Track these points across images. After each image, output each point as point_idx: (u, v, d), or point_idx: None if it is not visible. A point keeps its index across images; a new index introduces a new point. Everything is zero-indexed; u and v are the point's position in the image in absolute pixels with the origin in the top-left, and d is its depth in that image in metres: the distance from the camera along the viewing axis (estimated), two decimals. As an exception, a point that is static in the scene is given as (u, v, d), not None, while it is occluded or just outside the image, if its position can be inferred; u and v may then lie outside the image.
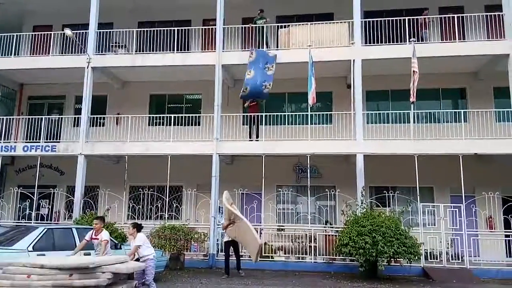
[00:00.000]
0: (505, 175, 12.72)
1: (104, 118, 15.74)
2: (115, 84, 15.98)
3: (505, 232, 12.44)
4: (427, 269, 11.45)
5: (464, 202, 12.00)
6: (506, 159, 12.54)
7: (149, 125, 15.59)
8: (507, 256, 12.24)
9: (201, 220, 13.48)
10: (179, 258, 11.78)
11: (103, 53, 14.90)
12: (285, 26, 14.39)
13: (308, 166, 13.26)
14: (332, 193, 13.18)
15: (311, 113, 13.64)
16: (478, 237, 12.71)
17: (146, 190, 13.89)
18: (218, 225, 12.98)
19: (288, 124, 14.58)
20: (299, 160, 14.75)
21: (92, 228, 8.25)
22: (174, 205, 13.62)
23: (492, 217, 13.28)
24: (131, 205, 13.95)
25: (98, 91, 14.87)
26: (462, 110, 13.76)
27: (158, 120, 15.59)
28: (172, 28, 14.73)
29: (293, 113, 14.92)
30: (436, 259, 11.94)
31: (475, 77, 14.58)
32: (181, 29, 14.80)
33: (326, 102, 15.52)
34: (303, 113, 14.23)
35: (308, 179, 13.15)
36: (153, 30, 15.00)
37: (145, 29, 15.16)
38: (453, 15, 13.65)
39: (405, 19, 13.48)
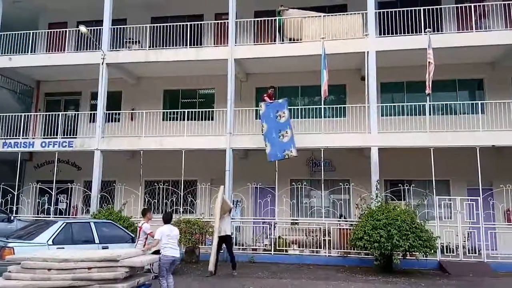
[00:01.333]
0: (524, 167, 12.46)
1: (119, 114, 15.95)
2: (129, 80, 16.14)
3: (524, 225, 12.22)
4: (443, 263, 11.34)
5: (481, 195, 11.80)
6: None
7: (163, 120, 15.72)
8: (526, 250, 12.02)
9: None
10: (194, 251, 11.93)
11: (117, 49, 15.05)
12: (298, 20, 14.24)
13: (322, 159, 13.20)
14: (346, 186, 13.11)
15: (325, 106, 13.54)
16: (496, 230, 12.50)
17: (161, 185, 14.06)
18: (232, 219, 13.06)
19: (302, 117, 14.52)
20: (313, 154, 14.69)
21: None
22: (189, 199, 13.76)
23: (510, 210, 13.03)
24: (146, 200, 14.13)
25: (113, 87, 15.06)
26: (480, 102, 13.49)
27: (172, 115, 15.71)
28: (184, 23, 14.77)
29: (307, 107, 14.84)
30: (453, 252, 11.80)
31: (493, 67, 14.23)
32: (194, 24, 14.83)
33: (340, 95, 15.39)
34: (317, 106, 14.15)
35: (322, 173, 13.11)
36: (166, 26, 15.06)
37: (158, 25, 15.22)
38: (470, 4, 13.31)
39: (420, 9, 13.22)
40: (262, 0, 15.51)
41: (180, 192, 13.46)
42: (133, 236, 9.68)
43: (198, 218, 12.38)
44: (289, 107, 14.21)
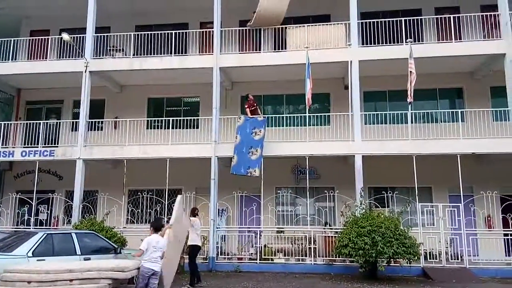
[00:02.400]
0: (503, 174, 12.77)
1: (102, 122, 15.74)
2: (113, 88, 15.98)
3: (503, 231, 12.47)
4: (426, 269, 11.47)
5: (462, 201, 12.04)
6: (504, 158, 12.59)
7: (147, 128, 15.59)
8: (506, 255, 12.28)
9: (200, 223, 13.43)
10: (179, 261, 11.73)
11: (101, 57, 14.90)
12: (283, 28, 14.42)
13: (307, 167, 13.28)
14: (331, 194, 13.19)
15: (309, 114, 13.66)
16: (477, 236, 12.74)
17: (145, 194, 13.88)
18: (217, 228, 12.99)
19: (287, 125, 14.62)
20: (298, 162, 14.77)
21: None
22: (174, 209, 13.57)
23: (490, 216, 13.32)
24: (130, 209, 13.93)
25: (96, 95, 14.88)
26: (459, 110, 13.81)
27: (156, 124, 15.58)
28: (169, 32, 14.76)
29: (291, 115, 14.95)
30: (436, 259, 11.96)
31: (472, 76, 14.64)
32: (179, 32, 14.82)
33: (324, 103, 15.56)
34: (301, 114, 14.26)
35: (307, 181, 13.17)
36: (151, 34, 15.02)
37: (143, 33, 15.15)
38: (449, 15, 13.72)
39: (401, 20, 13.54)
40: (247, 9, 15.63)
41: (165, 201, 13.32)
42: (116, 247, 9.49)
43: (183, 228, 12.22)
44: (273, 115, 14.36)
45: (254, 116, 13.46)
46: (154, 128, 15.57)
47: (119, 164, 14.58)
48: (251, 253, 13.01)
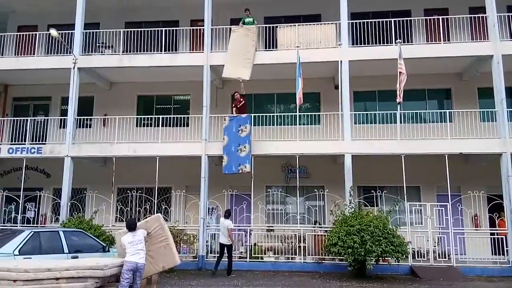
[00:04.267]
0: (489, 174, 12.94)
1: (91, 120, 15.58)
2: (102, 85, 15.82)
3: (490, 230, 12.66)
4: (414, 268, 11.60)
5: (450, 201, 12.19)
6: (491, 158, 12.77)
7: (137, 126, 15.47)
8: (492, 254, 12.47)
9: (190, 221, 13.42)
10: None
11: (90, 53, 14.73)
12: (273, 27, 14.43)
13: (297, 166, 13.31)
14: (321, 193, 13.25)
15: (300, 113, 13.70)
16: (464, 235, 12.91)
17: (134, 192, 13.76)
18: (207, 226, 12.96)
19: (277, 124, 14.65)
20: (288, 161, 14.81)
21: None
22: (163, 207, 13.54)
23: (477, 215, 13.52)
24: (119, 207, 13.81)
25: (84, 92, 14.71)
26: (448, 110, 13.99)
27: (146, 121, 15.48)
28: (159, 29, 14.66)
29: (282, 114, 14.97)
30: (424, 257, 12.11)
31: (460, 77, 14.84)
32: (169, 30, 14.73)
33: (315, 102, 15.62)
34: (292, 113, 14.29)
35: (297, 180, 13.21)
36: (141, 31, 14.89)
37: (132, 30, 15.03)
38: (438, 16, 13.88)
39: (391, 20, 13.66)
40: (238, 8, 15.58)
41: (154, 199, 13.23)
42: (104, 245, 9.41)
43: (172, 226, 12.16)
44: (264, 113, 14.36)
45: (238, 114, 13.44)
46: (144, 126, 15.47)
47: (108, 162, 14.44)
48: (241, 252, 13.01)
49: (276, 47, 14.11)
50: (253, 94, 15.18)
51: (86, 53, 14.61)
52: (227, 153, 12.96)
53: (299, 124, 13.56)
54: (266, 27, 14.80)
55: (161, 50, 14.47)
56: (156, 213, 13.06)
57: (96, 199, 13.57)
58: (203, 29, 14.15)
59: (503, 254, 11.89)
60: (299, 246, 12.44)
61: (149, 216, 8.40)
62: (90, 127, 15.52)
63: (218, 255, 11.51)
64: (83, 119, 14.78)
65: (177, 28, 15.33)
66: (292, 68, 13.10)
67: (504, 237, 11.94)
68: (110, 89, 16.19)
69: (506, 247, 11.84)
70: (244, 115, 13.34)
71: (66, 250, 8.64)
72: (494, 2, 13.06)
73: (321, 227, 13.31)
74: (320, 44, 13.77)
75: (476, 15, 13.85)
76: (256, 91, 15.37)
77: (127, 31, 15.07)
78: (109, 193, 13.58)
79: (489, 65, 13.01)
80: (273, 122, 14.70)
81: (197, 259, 12.47)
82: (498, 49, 12.80)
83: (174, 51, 14.97)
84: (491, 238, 12.50)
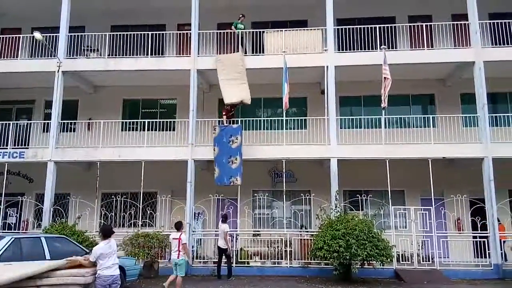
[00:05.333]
0: (472, 178, 13.16)
1: (75, 124, 15.38)
2: (86, 88, 15.64)
3: (472, 233, 12.86)
4: (399, 271, 11.71)
5: (433, 204, 12.36)
6: (473, 162, 13.00)
7: (122, 130, 15.31)
8: (474, 257, 12.64)
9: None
10: (153, 266, 11.59)
11: (74, 57, 14.56)
12: (260, 33, 14.49)
13: (284, 170, 13.34)
14: (307, 197, 13.31)
15: (286, 118, 13.75)
16: (448, 238, 13.10)
17: (119, 197, 13.60)
18: (193, 231, 12.87)
19: (264, 129, 14.67)
20: (275, 165, 14.83)
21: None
22: (148, 212, 13.41)
23: (460, 219, 13.73)
24: (103, 213, 13.62)
25: (69, 95, 14.54)
26: (431, 116, 14.21)
27: (131, 126, 15.33)
28: (146, 32, 14.58)
29: (269, 118, 15.01)
30: (408, 261, 12.22)
31: (443, 83, 15.10)
32: (156, 34, 14.66)
33: (301, 107, 15.71)
34: (278, 118, 14.34)
35: (284, 184, 13.24)
36: (127, 34, 14.78)
37: (118, 33, 14.91)
38: (422, 23, 14.13)
39: (376, 27, 13.85)
40: (225, 13, 15.64)
41: (139, 204, 13.09)
42: (87, 251, 9.25)
43: (158, 232, 12.06)
44: (251, 118, 14.38)
45: (228, 125, 13.37)
46: (129, 130, 15.31)
47: (92, 167, 14.25)
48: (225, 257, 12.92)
49: (263, 52, 14.17)
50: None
51: (71, 57, 14.42)
52: (218, 164, 12.86)
53: (286, 128, 13.61)
54: (253, 32, 14.84)
55: (147, 54, 14.39)
56: (141, 218, 12.96)
57: (79, 205, 13.37)
58: (190, 33, 14.13)
59: (485, 257, 12.09)
60: (286, 251, 12.44)
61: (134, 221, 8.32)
62: (74, 131, 15.32)
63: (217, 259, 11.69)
64: (67, 123, 14.58)
65: (164, 32, 15.26)
66: (279, 73, 13.17)
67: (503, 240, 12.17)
68: (95, 92, 16.02)
69: (488, 250, 12.05)
70: (235, 125, 13.28)
71: (48, 256, 8.46)
72: (476, 10, 13.35)
73: (307, 231, 13.34)
74: (306, 49, 13.88)
75: (459, 22, 14.15)
76: (243, 95, 15.37)
77: (113, 35, 14.94)
78: (93, 198, 13.39)
79: (471, 71, 13.28)
80: (260, 126, 14.73)
81: (182, 265, 12.33)
82: (480, 56, 13.09)
83: (160, 55, 14.91)
84: (473, 241, 12.68)
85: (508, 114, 13.83)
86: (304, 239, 12.71)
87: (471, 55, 13.22)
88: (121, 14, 16.09)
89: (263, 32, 14.35)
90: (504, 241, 12.45)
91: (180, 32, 15.36)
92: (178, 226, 9.16)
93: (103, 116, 15.09)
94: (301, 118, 14.89)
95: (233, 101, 13.37)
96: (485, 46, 13.79)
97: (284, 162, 13.15)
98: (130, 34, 14.73)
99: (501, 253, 12.01)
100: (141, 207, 13.08)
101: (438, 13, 15.29)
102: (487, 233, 12.14)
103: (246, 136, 14.24)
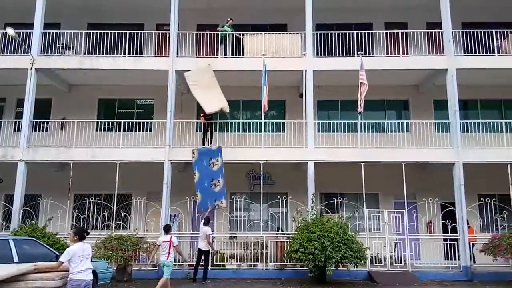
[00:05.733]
0: (443, 182, 13.53)
1: (47, 123, 14.95)
2: (61, 87, 15.26)
3: (443, 236, 13.22)
4: (372, 273, 11.91)
5: (406, 208, 12.65)
6: (444, 167, 13.39)
7: (97, 130, 15.00)
8: (445, 259, 13.00)
9: (151, 229, 13.13)
10: (126, 269, 11.38)
11: (49, 54, 14.19)
12: (241, 35, 14.51)
13: (262, 173, 13.37)
14: (284, 200, 13.37)
15: (265, 121, 13.80)
16: (419, 241, 13.41)
17: (92, 199, 13.31)
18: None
19: (243, 131, 14.66)
20: (253, 167, 14.85)
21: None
22: (122, 214, 13.16)
23: (431, 222, 14.10)
24: (75, 215, 13.28)
25: (42, 94, 14.16)
26: (405, 121, 14.55)
27: (107, 126, 15.03)
28: (123, 31, 14.35)
29: (247, 121, 15.02)
30: (381, 262, 12.45)
31: (417, 90, 15.51)
32: (134, 33, 14.45)
33: (280, 110, 15.80)
34: (257, 120, 14.37)
35: (261, 186, 13.26)
36: (104, 33, 14.51)
37: (95, 31, 14.63)
38: (398, 30, 14.49)
39: (353, 32, 14.10)
40: (205, 14, 15.62)
41: (113, 206, 12.84)
42: (58, 254, 8.99)
43: (132, 234, 11.85)
44: (230, 120, 14.36)
45: (207, 147, 13.22)
46: (104, 130, 15.01)
47: (65, 167, 13.86)
48: (203, 259, 12.82)
49: (242, 55, 14.18)
50: (218, 100, 15.09)
51: (45, 54, 14.05)
52: (200, 189, 12.66)
53: (264, 131, 13.65)
54: (233, 34, 14.83)
55: (125, 53, 14.15)
56: (115, 220, 12.71)
57: (51, 206, 12.98)
58: (169, 33, 14.00)
59: (455, 259, 12.46)
60: (262, 253, 12.46)
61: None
62: (47, 130, 14.90)
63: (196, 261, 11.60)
64: (40, 122, 14.16)
65: (142, 32, 15.09)
66: (258, 75, 13.20)
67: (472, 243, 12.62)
68: (70, 91, 15.65)
69: (458, 252, 12.42)
70: (214, 147, 13.03)
71: (16, 259, 8.15)
72: (450, 19, 13.78)
73: (283, 234, 13.41)
74: (286, 53, 13.99)
75: (433, 31, 14.56)
76: (222, 97, 15.34)
77: (90, 33, 14.65)
78: (65, 199, 13.03)
79: (444, 78, 13.69)
80: (239, 129, 14.73)
81: (157, 268, 12.18)
82: (453, 64, 13.50)
83: (138, 55, 14.71)
84: (444, 243, 13.04)
85: (478, 121, 14.32)
86: (281, 242, 12.77)
87: (444, 62, 13.64)
88: (98, 12, 15.80)
89: (243, 34, 14.37)
90: (473, 244, 12.84)
91: (159, 32, 15.22)
92: (168, 229, 9.40)
93: (78, 115, 14.75)
94: (279, 121, 14.97)
95: (214, 110, 13.31)
96: (458, 54, 14.25)
97: (262, 164, 13.18)
98: (107, 33, 14.48)
99: (470, 255, 12.39)
100: (115, 209, 12.83)
101: (413, 21, 15.69)
102: (457, 236, 12.51)
103: (225, 138, 14.23)
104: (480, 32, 14.10)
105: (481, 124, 14.11)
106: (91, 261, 6.31)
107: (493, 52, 13.74)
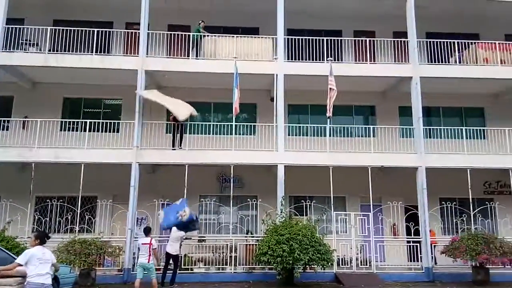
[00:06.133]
0: (407, 186, 13.96)
1: (8, 121, 14.27)
2: (24, 84, 14.65)
3: (406, 238, 13.65)
4: (338, 275, 12.12)
5: (372, 210, 12.98)
6: (408, 171, 13.84)
7: (61, 130, 14.46)
8: (408, 261, 13.42)
9: (117, 233, 12.78)
10: (90, 274, 11.01)
11: (11, 50, 13.58)
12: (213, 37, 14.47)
13: (232, 175, 13.34)
14: (254, 202, 13.39)
15: (235, 123, 13.78)
16: (384, 243, 13.80)
17: (55, 201, 12.82)
18: (135, 238, 12.42)
19: (213, 133, 14.59)
20: (223, 170, 14.79)
21: None
22: (87, 217, 12.75)
23: (396, 224, 14.54)
24: (37, 218, 12.74)
25: (3, 91, 13.65)
26: (372, 126, 14.96)
27: (71, 125, 14.53)
28: (91, 29, 13.97)
29: (218, 123, 14.96)
30: (347, 264, 12.69)
31: (384, 96, 15.99)
32: (102, 31, 14.09)
33: (251, 113, 15.85)
34: (227, 123, 14.35)
35: (231, 189, 13.23)
36: (70, 30, 14.07)
37: (61, 28, 14.15)
38: (365, 38, 14.91)
39: (324, 39, 14.38)
40: (176, 15, 15.45)
41: (77, 209, 12.42)
42: (17, 258, 8.57)
43: (96, 238, 11.49)
44: (200, 122, 14.25)
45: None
46: (69, 130, 14.48)
47: (27, 168, 13.29)
48: (170, 263, 12.61)
49: (214, 57, 14.12)
50: (189, 102, 14.95)
51: (7, 50, 13.45)
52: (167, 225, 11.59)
53: (235, 134, 13.63)
54: (205, 36, 14.75)
55: (92, 52, 13.76)
56: (79, 224, 12.28)
57: (11, 208, 12.39)
58: (139, 32, 13.75)
59: (418, 261, 12.89)
60: (231, 256, 12.41)
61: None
62: (7, 129, 14.21)
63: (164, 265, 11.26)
64: (0, 120, 13.51)
65: (111, 30, 14.73)
66: (230, 78, 13.20)
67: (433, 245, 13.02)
68: (33, 89, 15.02)
69: (420, 254, 12.86)
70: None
71: (-31, 265, 7.73)
72: (415, 29, 14.33)
73: (253, 237, 13.41)
74: (257, 56, 14.07)
75: (399, 39, 15.07)
76: (193, 99, 15.13)
77: (55, 30, 14.15)
78: (26, 202, 12.47)
79: (409, 85, 14.20)
80: (209, 131, 14.65)
81: (122, 273, 11.88)
82: (417, 72, 14.05)
83: (106, 53, 14.35)
84: (407, 245, 13.47)
85: (440, 127, 14.92)
86: (250, 245, 12.76)
87: (409, 70, 14.15)
88: (65, 8, 15.30)
89: (214, 36, 14.33)
90: (434, 246, 13.34)
91: (128, 30, 14.92)
92: (148, 231, 9.66)
93: (41, 114, 14.17)
94: (250, 124, 15.01)
95: (186, 116, 13.07)
96: (422, 63, 14.81)
97: (232, 167, 13.15)
98: (74, 30, 14.04)
99: (432, 257, 12.86)
100: (79, 211, 12.41)
101: (381, 30, 16.18)
102: (419, 238, 12.95)
103: (195, 140, 14.09)
104: (444, 42, 14.75)
105: (443, 131, 14.72)
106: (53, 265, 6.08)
107: (456, 62, 14.39)
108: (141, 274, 9.48)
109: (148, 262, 9.32)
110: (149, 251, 9.31)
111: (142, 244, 9.46)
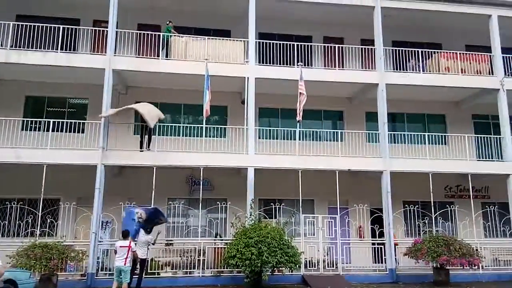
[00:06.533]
0: (373, 189, 14.36)
1: (-35, 120, 13.51)
2: (-18, 81, 13.92)
3: (371, 240, 14.02)
4: (306, 277, 12.27)
5: (339, 213, 13.25)
6: (374, 175, 14.25)
7: (22, 129, 13.86)
8: (373, 262, 13.78)
9: (80, 236, 12.36)
10: (51, 279, 10.56)
11: (-31, 45, 12.91)
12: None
13: (201, 178, 13.23)
14: (224, 205, 13.34)
15: (206, 125, 13.70)
16: (350, 245, 14.10)
17: (14, 203, 12.24)
18: (99, 242, 12.06)
19: (183, 135, 14.44)
20: (192, 172, 14.65)
21: None
22: (49, 221, 12.25)
23: (361, 227, 14.91)
24: (-6, 221, 12.13)
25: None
26: (339, 131, 15.30)
27: (34, 125, 13.94)
28: (56, 25, 13.48)
29: (188, 125, 14.81)
30: (314, 267, 12.88)
31: (351, 101, 16.39)
32: (68, 28, 13.64)
33: (222, 116, 15.80)
34: (197, 125, 14.24)
35: (200, 192, 13.12)
36: (35, 26, 13.52)
37: (25, 24, 13.57)
38: (334, 45, 15.25)
39: (294, 44, 14.57)
40: (146, 14, 15.21)
41: (38, 212, 11.91)
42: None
43: (58, 242, 11.05)
44: (169, 124, 14.06)
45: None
46: (31, 129, 13.90)
47: (-17, 169, 12.63)
48: (136, 268, 12.32)
49: (185, 58, 13.98)
50: (159, 102, 14.72)
51: (-35, 44, 12.77)
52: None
53: (206, 136, 13.55)
54: (176, 37, 14.60)
55: (57, 49, 13.28)
56: (40, 227, 11.78)
57: (-35, 211, 11.74)
58: (107, 30, 13.42)
59: (382, 262, 13.26)
60: (199, 260, 12.28)
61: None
62: (-37, 128, 13.45)
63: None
64: (-45, 118, 12.79)
65: (78, 27, 14.29)
66: (201, 79, 13.12)
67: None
68: (-7, 86, 14.32)
69: (385, 256, 13.24)
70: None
71: None
72: (381, 37, 14.81)
73: (221, 240, 13.34)
74: (228, 59, 14.07)
75: (366, 47, 15.52)
76: (163, 100, 15.01)
77: (18, 25, 13.56)
78: (-18, 204, 11.86)
79: (375, 92, 14.64)
80: (179, 133, 14.47)
81: (86, 278, 11.49)
82: (383, 79, 14.53)
83: (72, 51, 13.89)
84: (372, 247, 13.82)
85: (405, 133, 15.47)
86: (218, 248, 12.69)
87: (375, 77, 14.60)
88: (30, 3, 14.71)
89: (187, 38, 14.20)
90: (395, 246, 13.74)
91: (95, 28, 14.52)
92: (126, 235, 9.71)
93: (1, 112, 13.52)
94: (220, 126, 14.96)
95: (155, 121, 12.90)
96: (388, 70, 15.32)
97: (201, 169, 13.05)
98: (39, 26, 13.51)
99: (395, 258, 13.27)
100: (40, 214, 11.91)
101: (349, 37, 16.62)
102: (384, 240, 13.34)
103: (164, 142, 13.90)
104: (408, 50, 15.32)
105: (407, 136, 15.25)
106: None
107: (419, 70, 14.98)
108: (118, 278, 9.46)
109: (125, 265, 9.38)
110: (127, 254, 9.38)
111: (120, 246, 9.48)
